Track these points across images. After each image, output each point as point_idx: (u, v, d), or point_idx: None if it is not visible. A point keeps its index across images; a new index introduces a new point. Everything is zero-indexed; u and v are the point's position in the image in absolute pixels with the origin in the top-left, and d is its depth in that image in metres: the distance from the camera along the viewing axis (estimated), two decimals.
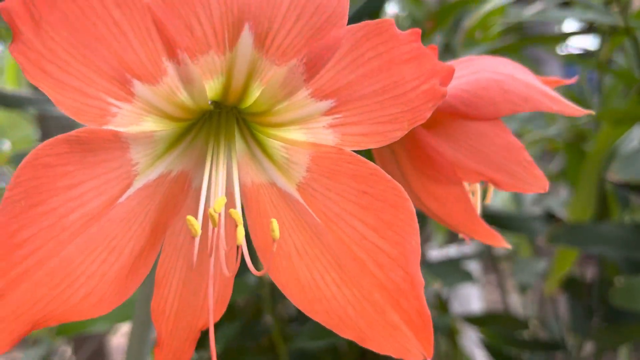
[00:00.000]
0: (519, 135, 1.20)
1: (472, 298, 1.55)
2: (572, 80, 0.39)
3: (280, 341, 0.83)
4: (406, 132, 0.29)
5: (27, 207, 0.26)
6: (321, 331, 0.79)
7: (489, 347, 1.04)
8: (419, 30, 0.28)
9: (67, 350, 1.48)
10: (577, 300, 0.99)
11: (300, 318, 0.93)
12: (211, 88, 0.31)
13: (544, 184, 0.35)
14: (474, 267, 1.32)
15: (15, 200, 0.26)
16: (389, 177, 0.30)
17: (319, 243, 0.32)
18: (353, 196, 0.30)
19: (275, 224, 0.31)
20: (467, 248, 1.21)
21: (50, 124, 1.30)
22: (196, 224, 0.30)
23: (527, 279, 1.02)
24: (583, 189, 0.85)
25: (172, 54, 0.27)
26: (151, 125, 0.30)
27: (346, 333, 0.31)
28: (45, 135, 1.63)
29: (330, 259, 0.31)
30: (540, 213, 0.98)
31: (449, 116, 0.35)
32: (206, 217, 0.32)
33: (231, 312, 0.88)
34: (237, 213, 0.31)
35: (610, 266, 0.98)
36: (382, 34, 0.28)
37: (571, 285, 0.98)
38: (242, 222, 0.31)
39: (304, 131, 0.32)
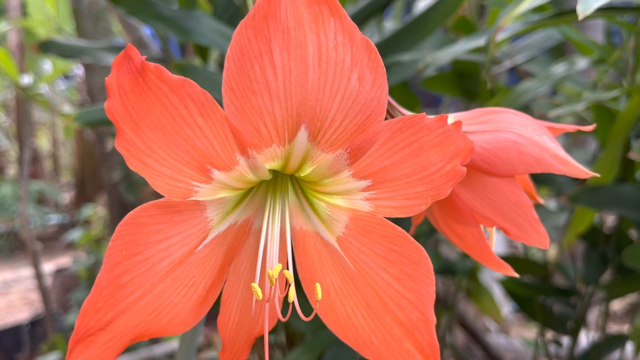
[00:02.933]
0: (553, 92, 1.20)
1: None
2: (589, 128, 0.43)
3: None
4: (429, 205, 0.35)
5: (127, 256, 0.34)
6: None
7: (507, 289, 1.11)
8: (445, 116, 0.33)
9: None
10: (593, 249, 1.03)
11: None
12: (271, 167, 0.37)
13: (545, 242, 0.40)
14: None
15: (117, 251, 0.34)
16: (413, 239, 0.36)
17: (351, 284, 0.39)
18: (382, 252, 0.37)
19: (318, 288, 0.38)
20: None
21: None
22: (259, 290, 0.37)
23: (548, 232, 1.06)
24: (609, 150, 0.87)
25: (243, 151, 0.33)
26: (224, 194, 0.37)
27: (369, 355, 0.39)
28: (90, 82, 1.69)
29: (360, 298, 0.38)
30: None
31: (471, 169, 0.40)
32: (264, 257, 0.39)
33: None
34: (290, 274, 0.38)
35: (628, 220, 1.01)
36: (414, 126, 0.33)
37: (590, 233, 1.02)
38: (292, 280, 0.38)
39: (345, 200, 0.38)
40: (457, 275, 1.11)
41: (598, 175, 0.40)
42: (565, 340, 1.12)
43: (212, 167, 0.33)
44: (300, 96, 0.32)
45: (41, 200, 5.07)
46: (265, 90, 0.31)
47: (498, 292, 1.64)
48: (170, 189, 0.34)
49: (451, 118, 0.44)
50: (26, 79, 2.03)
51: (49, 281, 2.55)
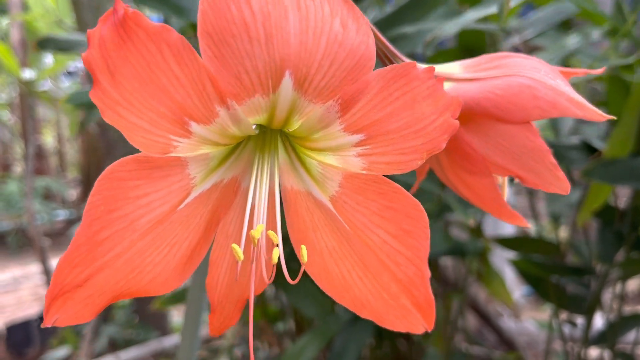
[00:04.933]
0: (566, 66, 1.17)
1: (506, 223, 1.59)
2: (600, 71, 0.41)
3: None
4: (424, 161, 0.33)
5: (105, 211, 0.33)
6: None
7: (519, 269, 1.08)
8: (432, 68, 0.32)
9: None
10: (608, 227, 1.01)
11: None
12: (256, 121, 0.35)
13: (566, 186, 0.38)
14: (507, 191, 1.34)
15: (96, 206, 0.32)
16: (409, 195, 0.35)
17: (347, 245, 0.37)
18: (378, 210, 0.36)
19: (304, 250, 0.37)
20: None
21: None
22: (239, 251, 0.36)
23: (561, 209, 1.04)
24: (624, 122, 0.85)
25: (223, 102, 0.32)
26: (206, 150, 0.35)
27: (366, 315, 0.38)
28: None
29: (356, 259, 0.37)
30: (577, 143, 0.98)
31: (483, 117, 0.38)
32: (252, 218, 0.37)
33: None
34: (274, 235, 0.37)
35: None
36: (407, 75, 0.31)
37: (604, 211, 1.00)
38: (279, 242, 0.37)
39: (337, 157, 0.36)
40: (467, 257, 1.09)
41: (614, 117, 0.38)
42: (580, 321, 1.10)
43: (191, 119, 0.32)
44: (282, 39, 0.30)
45: (48, 197, 5.09)
46: (244, 33, 0.29)
47: (509, 275, 1.62)
48: (148, 144, 0.32)
49: (456, 66, 0.42)
50: (28, 74, 2.02)
51: None
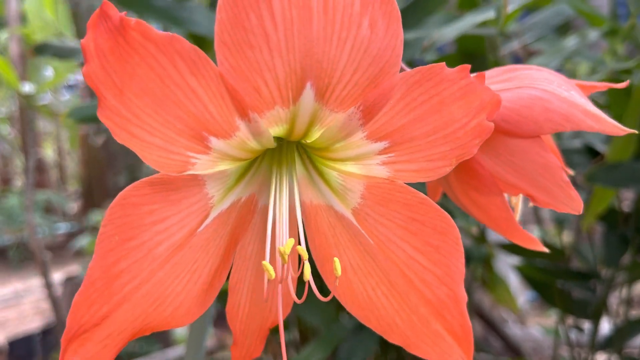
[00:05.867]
0: (558, 70, 1.17)
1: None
2: (623, 85, 0.39)
3: None
4: (454, 167, 0.32)
5: (120, 241, 0.31)
6: None
7: (524, 274, 1.08)
8: (468, 66, 0.29)
9: None
10: (612, 230, 1.00)
11: None
12: (276, 133, 0.33)
13: (578, 206, 0.36)
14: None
15: (109, 236, 0.30)
16: (437, 206, 0.32)
17: (371, 261, 0.35)
18: (403, 222, 0.33)
19: (337, 263, 0.35)
20: None
21: None
22: (271, 269, 0.34)
23: (566, 214, 1.03)
24: (626, 125, 0.84)
25: (244, 114, 0.30)
26: (224, 166, 0.34)
27: (394, 339, 0.35)
28: None
29: (381, 275, 0.35)
30: (579, 146, 0.97)
31: (493, 133, 0.36)
32: (273, 236, 0.36)
33: None
34: (303, 250, 0.35)
35: None
36: (434, 78, 0.30)
37: (608, 214, 0.99)
38: (307, 257, 0.35)
39: (359, 166, 0.34)
40: (471, 263, 1.08)
41: (635, 131, 0.36)
42: (586, 326, 1.09)
43: (210, 134, 0.30)
44: (304, 48, 0.28)
45: (49, 210, 5.07)
46: (264, 43, 0.27)
47: (514, 281, 1.61)
48: (164, 162, 0.30)
49: None
50: (27, 87, 2.02)
51: (59, 290, 2.54)
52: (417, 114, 0.30)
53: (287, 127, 0.33)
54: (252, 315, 0.38)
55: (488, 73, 0.39)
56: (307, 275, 0.34)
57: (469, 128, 0.30)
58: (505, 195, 0.39)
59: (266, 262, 0.34)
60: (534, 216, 1.23)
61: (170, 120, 0.28)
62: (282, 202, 0.36)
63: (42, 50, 0.98)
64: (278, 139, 0.36)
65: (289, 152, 0.38)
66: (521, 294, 2.05)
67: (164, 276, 0.33)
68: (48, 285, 2.01)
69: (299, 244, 0.36)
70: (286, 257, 0.34)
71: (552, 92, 0.35)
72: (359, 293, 0.36)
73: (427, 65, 0.30)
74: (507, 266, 1.42)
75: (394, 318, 0.35)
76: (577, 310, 1.05)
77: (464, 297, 0.33)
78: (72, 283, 2.96)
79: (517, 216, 0.41)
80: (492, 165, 0.37)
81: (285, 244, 0.35)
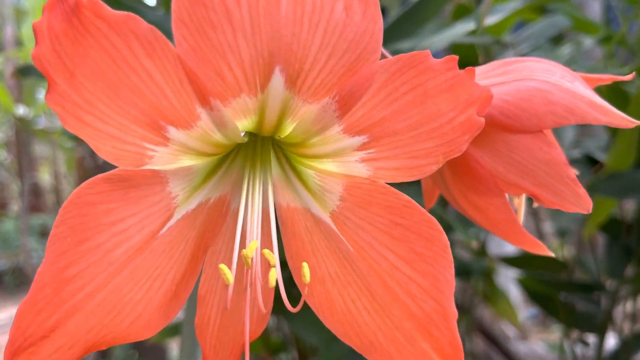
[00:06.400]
0: None
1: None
2: (629, 77, 0.37)
3: None
4: (441, 165, 0.29)
5: (74, 243, 0.28)
6: None
7: (526, 288, 1.06)
8: (455, 57, 0.27)
9: None
10: (615, 241, 0.98)
11: None
12: (244, 125, 0.31)
13: (587, 205, 0.33)
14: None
15: (62, 238, 0.28)
16: (423, 210, 0.30)
17: (350, 270, 0.32)
18: (385, 227, 0.31)
19: (306, 269, 0.32)
20: None
21: None
22: (228, 273, 0.31)
23: (567, 223, 1.01)
24: (625, 135, 0.83)
25: (205, 101, 0.28)
26: (188, 161, 0.31)
27: (376, 357, 0.32)
28: None
29: (361, 286, 0.32)
30: (579, 156, 0.96)
31: (489, 127, 0.34)
32: (243, 241, 0.33)
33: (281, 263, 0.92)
34: (270, 254, 0.32)
35: None
36: (417, 66, 0.27)
37: (610, 225, 0.97)
38: (276, 263, 0.32)
39: (337, 164, 0.32)
40: (472, 277, 1.06)
41: None
42: (591, 340, 1.07)
43: (168, 123, 0.28)
44: (271, 29, 0.26)
45: (44, 234, 5.04)
46: (226, 22, 0.25)
47: (514, 297, 1.58)
48: (118, 154, 0.28)
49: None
50: (22, 111, 2.01)
51: None
52: (399, 105, 0.28)
53: (256, 119, 0.31)
54: (223, 329, 0.35)
55: (482, 68, 0.37)
56: (272, 281, 0.31)
57: (457, 123, 0.28)
58: (508, 196, 0.37)
59: (223, 265, 0.31)
60: (536, 231, 1.21)
61: (124, 107, 0.26)
62: (254, 205, 0.33)
63: (25, 72, 0.97)
64: (250, 135, 0.33)
65: (263, 150, 0.35)
66: (522, 311, 2.02)
67: (121, 282, 0.30)
68: None
69: (273, 248, 0.34)
70: (249, 261, 0.31)
71: (553, 83, 0.33)
72: (338, 305, 0.33)
73: (410, 53, 0.27)
74: (508, 280, 1.40)
75: (375, 334, 0.32)
76: (582, 324, 1.03)
77: (454, 313, 0.30)
78: None
79: (521, 219, 0.38)
80: (491, 163, 0.35)
81: (248, 246, 0.32)
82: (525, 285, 1.04)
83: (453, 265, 0.30)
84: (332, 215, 0.33)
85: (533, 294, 1.06)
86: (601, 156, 0.92)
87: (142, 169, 0.29)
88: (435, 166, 0.29)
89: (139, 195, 0.30)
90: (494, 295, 1.26)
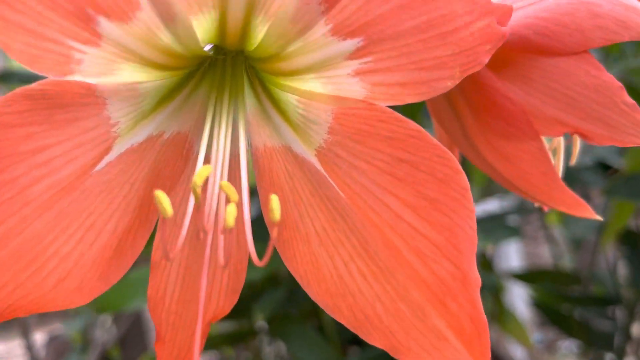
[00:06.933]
0: None
1: (511, 253, 1.51)
2: None
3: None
4: (457, 82, 0.23)
5: None
6: None
7: (539, 304, 1.00)
8: None
9: (108, 320, 1.51)
10: (635, 253, 0.93)
11: None
12: (203, 27, 0.24)
13: None
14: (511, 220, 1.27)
15: None
16: (435, 142, 0.23)
17: (342, 223, 0.26)
18: (386, 165, 0.24)
19: (275, 202, 0.25)
20: (506, 201, 1.16)
21: None
22: (166, 201, 0.24)
23: (583, 232, 0.96)
24: None
25: None
26: (131, 74, 0.24)
27: (374, 338, 0.25)
28: None
29: (356, 244, 0.25)
30: (590, 163, 0.92)
31: (521, 52, 0.28)
32: (205, 189, 0.26)
33: (275, 280, 0.85)
34: (229, 186, 0.26)
35: None
36: None
37: (627, 237, 0.93)
38: (236, 198, 0.25)
39: (324, 80, 0.25)
40: (481, 294, 1.00)
41: None
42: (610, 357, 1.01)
43: (97, 12, 0.21)
44: None
45: None
46: None
47: (522, 316, 1.52)
48: (35, 54, 0.21)
49: None
50: None
51: (42, 352, 2.42)
52: None
53: (217, 18, 0.24)
54: (184, 302, 0.29)
55: None
56: (230, 221, 0.24)
57: (475, 29, 0.22)
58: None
59: (159, 192, 0.24)
60: (545, 236, 1.15)
61: None
62: (220, 147, 0.27)
63: (5, 78, 0.94)
64: (217, 52, 0.27)
65: (234, 75, 0.28)
66: (531, 333, 1.96)
67: (43, 229, 0.24)
68: (29, 347, 1.92)
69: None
70: (198, 190, 0.25)
71: None
72: (326, 270, 0.26)
73: None
74: (515, 299, 1.34)
75: (373, 307, 0.25)
76: (599, 342, 0.97)
77: (476, 280, 0.23)
78: (55, 342, 2.83)
79: (560, 169, 0.32)
80: (524, 97, 0.29)
81: (198, 172, 0.25)
82: (538, 301, 0.99)
83: (474, 215, 0.23)
84: (319, 154, 0.26)
85: (546, 311, 1.01)
86: (615, 161, 0.87)
87: (71, 82, 0.23)
88: (450, 82, 0.23)
89: (68, 118, 0.24)
90: (502, 314, 1.20)
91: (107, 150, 0.25)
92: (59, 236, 0.25)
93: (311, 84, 0.26)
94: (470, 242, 0.23)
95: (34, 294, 0.24)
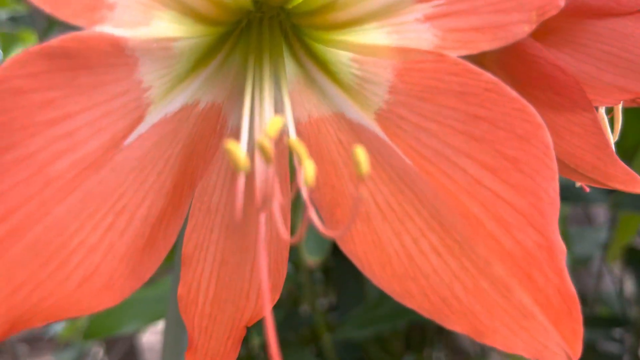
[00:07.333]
0: None
1: None
2: None
3: (323, 331, 0.78)
4: (534, 27, 0.20)
5: None
6: (367, 319, 0.74)
7: None
8: None
9: (99, 351, 1.46)
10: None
11: (342, 306, 0.87)
12: None
13: None
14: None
15: None
16: (514, 93, 0.21)
17: (410, 195, 0.23)
18: (461, 123, 0.21)
19: (360, 153, 0.21)
20: None
21: None
22: (240, 151, 0.21)
23: (589, 249, 0.94)
24: None
25: None
26: (167, 27, 0.21)
27: (454, 322, 0.22)
28: None
29: (427, 217, 0.22)
30: None
31: (570, 16, 0.26)
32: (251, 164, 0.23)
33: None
34: (298, 143, 0.23)
35: None
36: None
37: (633, 256, 0.91)
38: (307, 155, 0.22)
39: (388, 29, 0.22)
40: None
41: None
42: None
43: None
44: None
45: None
46: None
47: None
48: None
49: None
50: None
51: None
52: None
53: None
54: (219, 303, 0.26)
55: None
56: (309, 178, 0.21)
57: None
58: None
59: (232, 144, 0.21)
60: None
61: None
62: (262, 122, 0.23)
63: None
64: (256, 7, 0.24)
65: (272, 38, 0.25)
66: None
67: (65, 214, 0.20)
68: None
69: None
70: (268, 146, 0.21)
71: None
72: (392, 251, 0.23)
73: None
74: None
75: (451, 287, 0.22)
76: None
77: (562, 248, 0.21)
78: None
79: (613, 140, 0.29)
80: (576, 64, 0.26)
81: (270, 122, 0.22)
82: None
83: (557, 176, 0.21)
84: (378, 117, 0.23)
85: None
86: None
87: (98, 36, 0.19)
88: (528, 26, 0.20)
89: (94, 81, 0.20)
90: None
91: (139, 119, 0.22)
92: (86, 223, 0.21)
93: (372, 35, 0.23)
94: (555, 206, 0.21)
95: (55, 296, 0.21)
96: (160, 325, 0.71)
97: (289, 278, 0.76)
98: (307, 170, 0.21)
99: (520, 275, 0.21)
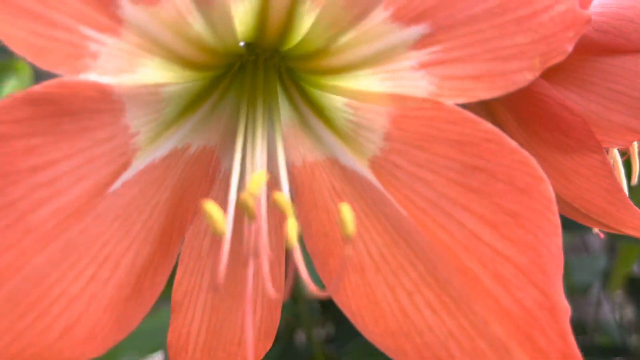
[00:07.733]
0: None
1: None
2: None
3: None
4: (538, 74, 0.20)
5: None
6: (366, 352, 0.73)
7: None
8: None
9: None
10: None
11: (341, 338, 0.86)
12: (240, 18, 0.21)
13: None
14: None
15: None
16: (514, 144, 0.20)
17: (404, 247, 0.22)
18: (458, 174, 0.21)
19: (346, 211, 0.21)
20: None
21: None
22: (217, 214, 0.20)
23: (588, 278, 0.94)
24: None
25: None
26: (154, 74, 0.21)
27: None
28: None
29: (422, 271, 0.22)
30: None
31: (577, 53, 0.24)
32: (240, 211, 0.22)
33: None
34: (283, 197, 0.22)
35: None
36: None
37: (633, 285, 0.91)
38: (292, 212, 0.21)
39: (382, 76, 0.22)
40: None
41: None
42: None
43: None
44: None
45: None
46: None
47: None
48: (42, 44, 0.18)
49: None
50: None
51: None
52: None
53: (258, 5, 0.21)
54: (210, 350, 0.25)
55: None
56: (292, 236, 0.21)
57: (556, 12, 0.20)
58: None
59: (210, 203, 0.20)
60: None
61: None
62: (255, 166, 0.23)
63: None
64: (247, 48, 0.23)
65: (266, 81, 0.25)
66: None
67: (47, 264, 0.20)
68: None
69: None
70: (251, 203, 0.20)
71: None
72: (386, 304, 0.22)
73: None
74: None
75: (446, 346, 0.21)
76: None
77: (565, 308, 0.20)
78: None
79: (624, 184, 0.28)
80: (584, 104, 0.26)
81: (252, 179, 0.21)
82: None
83: (560, 232, 0.20)
84: (373, 165, 0.23)
85: None
86: None
87: (83, 83, 0.19)
88: (530, 74, 0.20)
89: (78, 127, 0.19)
90: None
91: (125, 166, 0.21)
92: (67, 273, 0.20)
93: (366, 82, 0.22)
94: (557, 263, 0.20)
95: (36, 346, 0.20)
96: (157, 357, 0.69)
97: (286, 308, 0.75)
98: (290, 229, 0.21)
99: (520, 337, 0.20)
